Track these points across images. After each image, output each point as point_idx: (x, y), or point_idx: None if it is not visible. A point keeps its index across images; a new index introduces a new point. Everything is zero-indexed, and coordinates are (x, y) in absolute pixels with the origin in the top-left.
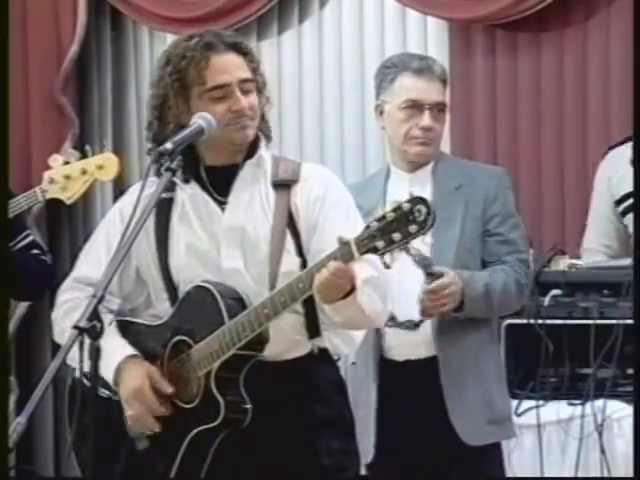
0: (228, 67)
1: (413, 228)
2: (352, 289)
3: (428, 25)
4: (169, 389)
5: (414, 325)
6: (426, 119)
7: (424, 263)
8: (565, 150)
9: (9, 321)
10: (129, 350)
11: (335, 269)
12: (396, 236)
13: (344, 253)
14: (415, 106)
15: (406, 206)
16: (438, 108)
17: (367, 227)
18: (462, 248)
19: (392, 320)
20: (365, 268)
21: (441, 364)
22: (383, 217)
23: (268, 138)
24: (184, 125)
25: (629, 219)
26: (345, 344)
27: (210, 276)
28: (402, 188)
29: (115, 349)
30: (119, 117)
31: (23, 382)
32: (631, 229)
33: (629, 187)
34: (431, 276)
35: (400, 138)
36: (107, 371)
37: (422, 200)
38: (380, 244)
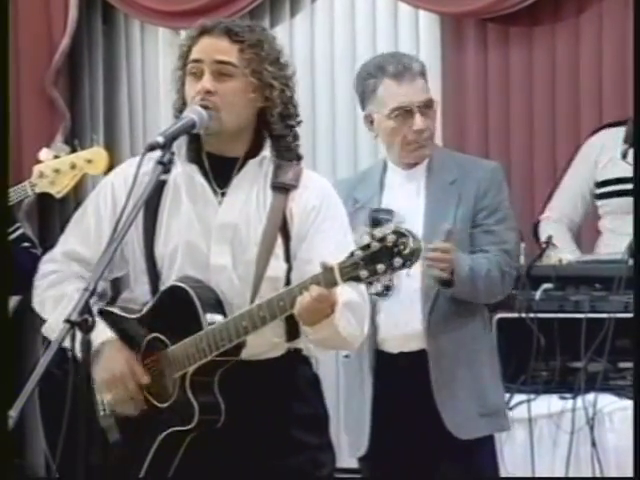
0: (209, 47)
1: (397, 262)
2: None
3: (420, 19)
4: (145, 379)
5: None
6: (418, 122)
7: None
8: (557, 144)
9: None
10: (107, 333)
11: (318, 295)
12: (380, 267)
13: (327, 278)
14: (404, 112)
15: (391, 238)
16: (426, 106)
17: (351, 255)
18: (453, 242)
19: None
20: (346, 290)
21: (430, 357)
22: (367, 246)
23: (276, 139)
24: (184, 104)
25: (604, 203)
26: (316, 348)
27: (195, 269)
28: (399, 184)
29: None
30: (110, 110)
31: (14, 375)
32: (601, 211)
33: (612, 173)
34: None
35: (396, 146)
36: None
37: (408, 234)
38: (363, 274)
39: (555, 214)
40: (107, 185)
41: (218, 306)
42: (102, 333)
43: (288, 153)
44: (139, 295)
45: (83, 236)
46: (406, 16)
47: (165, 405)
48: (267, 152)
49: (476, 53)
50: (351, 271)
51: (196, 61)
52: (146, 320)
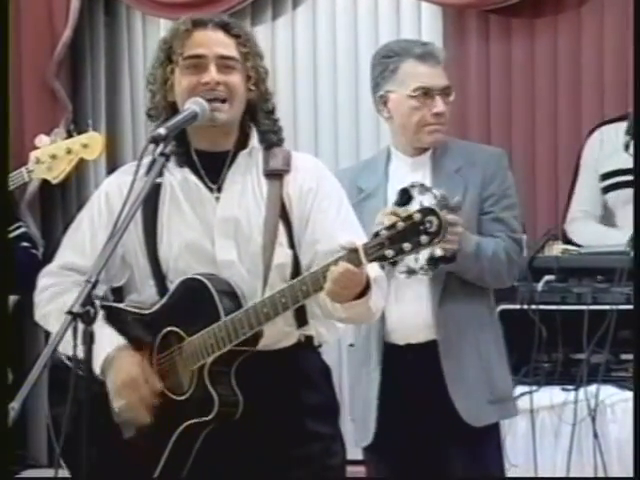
0: (209, 41)
1: (424, 239)
2: (366, 289)
3: (422, 10)
4: (159, 385)
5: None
6: (439, 105)
7: (443, 203)
8: (559, 135)
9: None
10: (119, 340)
11: (345, 270)
12: (406, 246)
13: (351, 259)
14: (426, 93)
15: (417, 216)
16: (446, 92)
17: (376, 235)
18: (461, 216)
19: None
20: (374, 267)
21: (441, 347)
22: (393, 226)
23: (263, 133)
24: (170, 100)
25: (610, 197)
26: (330, 333)
27: (202, 267)
28: (404, 172)
29: (104, 338)
30: (112, 101)
31: (16, 368)
32: (610, 203)
33: (613, 165)
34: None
35: (412, 127)
36: (96, 360)
37: (433, 211)
38: (389, 253)
39: (580, 214)
40: (101, 195)
41: (234, 296)
42: (113, 340)
43: (274, 139)
44: (147, 298)
45: (79, 248)
46: (408, 8)
47: (182, 398)
48: (255, 142)
49: (478, 45)
50: (376, 251)
51: (198, 56)
52: (160, 315)
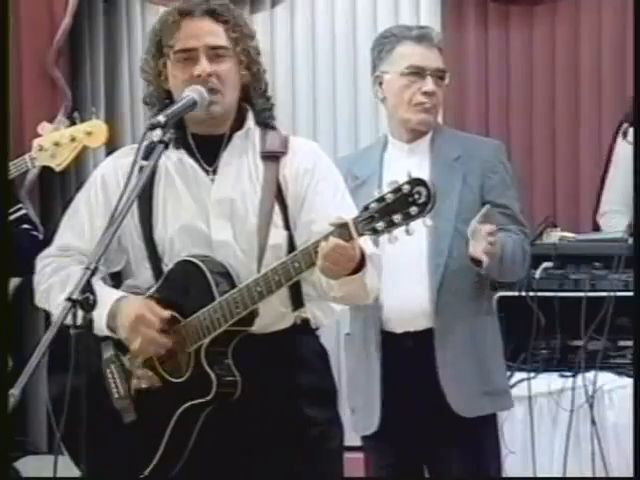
0: (198, 32)
1: (414, 210)
2: (360, 265)
3: None
4: (165, 312)
5: None
6: (429, 84)
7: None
8: (557, 122)
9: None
10: (118, 293)
11: (335, 244)
12: (396, 218)
13: (342, 234)
14: (417, 72)
15: (406, 188)
16: (438, 75)
17: (365, 208)
18: (460, 217)
19: None
20: (368, 244)
21: (436, 336)
22: (382, 199)
23: (259, 112)
24: (165, 88)
25: None
26: (325, 315)
27: (198, 248)
28: (400, 159)
29: (104, 296)
30: (112, 89)
31: (16, 355)
32: None
33: None
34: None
35: (403, 105)
36: (100, 320)
37: (422, 182)
38: (380, 225)
39: (613, 206)
40: (97, 178)
41: (228, 277)
42: (112, 295)
43: (270, 121)
44: (142, 282)
45: (77, 230)
46: None
47: (181, 380)
48: (251, 123)
49: (476, 32)
50: (367, 224)
51: (189, 50)
52: (156, 297)
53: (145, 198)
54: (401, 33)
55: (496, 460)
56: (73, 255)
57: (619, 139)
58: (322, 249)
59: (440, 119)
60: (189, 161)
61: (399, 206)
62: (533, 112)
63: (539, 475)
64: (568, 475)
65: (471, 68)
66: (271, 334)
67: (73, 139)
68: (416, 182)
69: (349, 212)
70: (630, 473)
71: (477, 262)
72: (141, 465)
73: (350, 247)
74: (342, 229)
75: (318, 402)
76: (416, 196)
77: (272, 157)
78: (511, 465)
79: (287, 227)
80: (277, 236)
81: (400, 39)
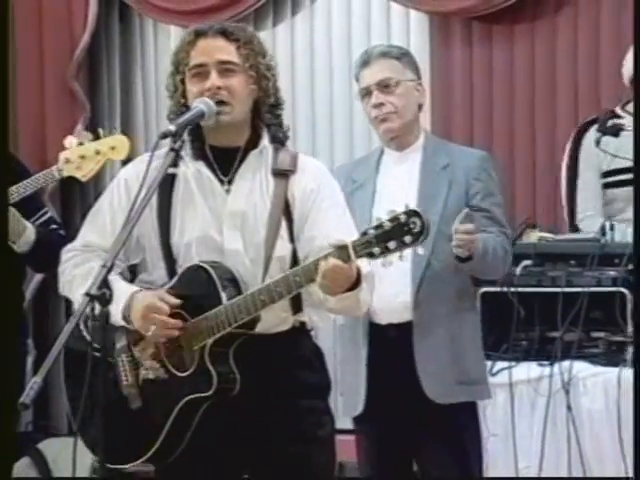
0: (210, 49)
1: (408, 239)
2: (356, 283)
3: (410, 17)
4: (174, 299)
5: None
6: (373, 98)
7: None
8: (536, 134)
9: (24, 288)
10: (133, 288)
11: (334, 265)
12: (391, 245)
13: (341, 255)
14: (366, 93)
15: (403, 217)
16: (384, 85)
17: (364, 233)
18: (444, 220)
19: None
20: (364, 263)
21: (415, 328)
22: (380, 225)
23: (272, 131)
24: (186, 105)
25: (610, 193)
26: (322, 320)
27: (210, 256)
28: (393, 165)
29: (120, 291)
30: (126, 102)
31: (40, 344)
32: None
33: (615, 164)
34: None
35: (373, 125)
36: (117, 313)
37: (417, 213)
38: (376, 250)
39: (589, 212)
40: (120, 181)
41: (235, 283)
42: (128, 289)
43: (281, 139)
44: (157, 278)
45: (100, 229)
46: (398, 15)
47: (185, 375)
48: (265, 142)
49: (462, 49)
50: (364, 248)
51: (201, 65)
52: (167, 291)
53: (165, 204)
54: (360, 58)
55: (476, 445)
56: (95, 251)
57: (586, 145)
58: (322, 268)
59: (428, 128)
60: (206, 172)
61: (395, 234)
62: (514, 122)
63: (519, 455)
64: (545, 455)
65: (457, 82)
66: (271, 335)
67: (98, 152)
68: (412, 213)
69: (348, 231)
70: (602, 455)
71: (461, 259)
72: (141, 449)
73: (348, 268)
74: (341, 251)
75: (313, 395)
76: (411, 225)
77: (282, 175)
78: (493, 447)
79: (292, 240)
80: (283, 248)
81: (359, 69)
